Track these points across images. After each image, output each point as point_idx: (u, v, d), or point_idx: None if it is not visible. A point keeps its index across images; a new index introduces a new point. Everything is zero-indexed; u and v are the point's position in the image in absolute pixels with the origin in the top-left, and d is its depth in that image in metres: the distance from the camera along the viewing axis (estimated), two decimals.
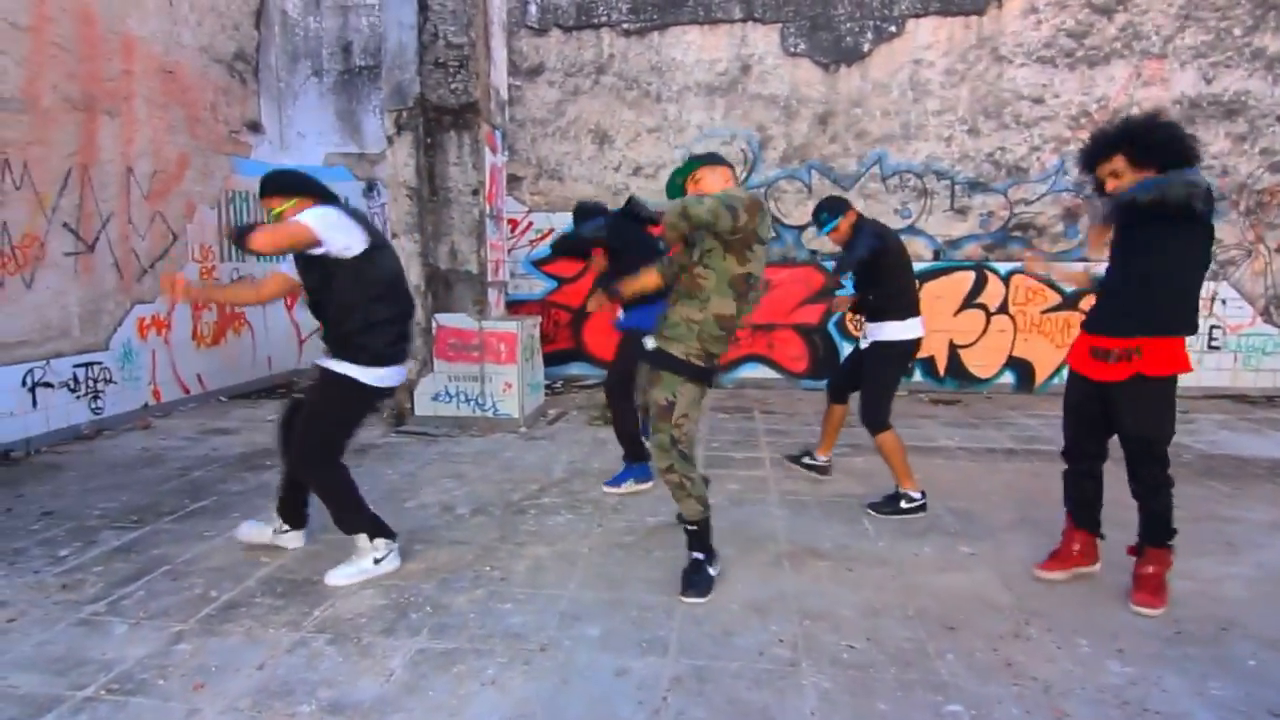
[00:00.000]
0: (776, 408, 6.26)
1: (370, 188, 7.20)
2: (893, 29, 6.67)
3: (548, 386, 6.64)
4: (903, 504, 3.64)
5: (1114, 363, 2.62)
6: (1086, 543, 2.96)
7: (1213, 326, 6.70)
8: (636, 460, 3.98)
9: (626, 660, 2.35)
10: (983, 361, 6.87)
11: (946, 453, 4.84)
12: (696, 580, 2.77)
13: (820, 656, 2.38)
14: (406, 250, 5.20)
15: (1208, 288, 6.69)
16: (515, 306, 6.85)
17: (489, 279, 5.33)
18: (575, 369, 7.22)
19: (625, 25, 6.90)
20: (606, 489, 3.94)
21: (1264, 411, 6.21)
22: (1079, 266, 6.76)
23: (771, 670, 2.30)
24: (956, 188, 6.78)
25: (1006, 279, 6.77)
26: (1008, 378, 6.88)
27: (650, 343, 2.74)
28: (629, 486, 3.93)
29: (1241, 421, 5.81)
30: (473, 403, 5.24)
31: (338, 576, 2.85)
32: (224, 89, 6.51)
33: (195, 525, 3.48)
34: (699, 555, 2.84)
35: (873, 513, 3.65)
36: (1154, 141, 2.53)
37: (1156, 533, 2.74)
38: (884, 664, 2.35)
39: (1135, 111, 6.56)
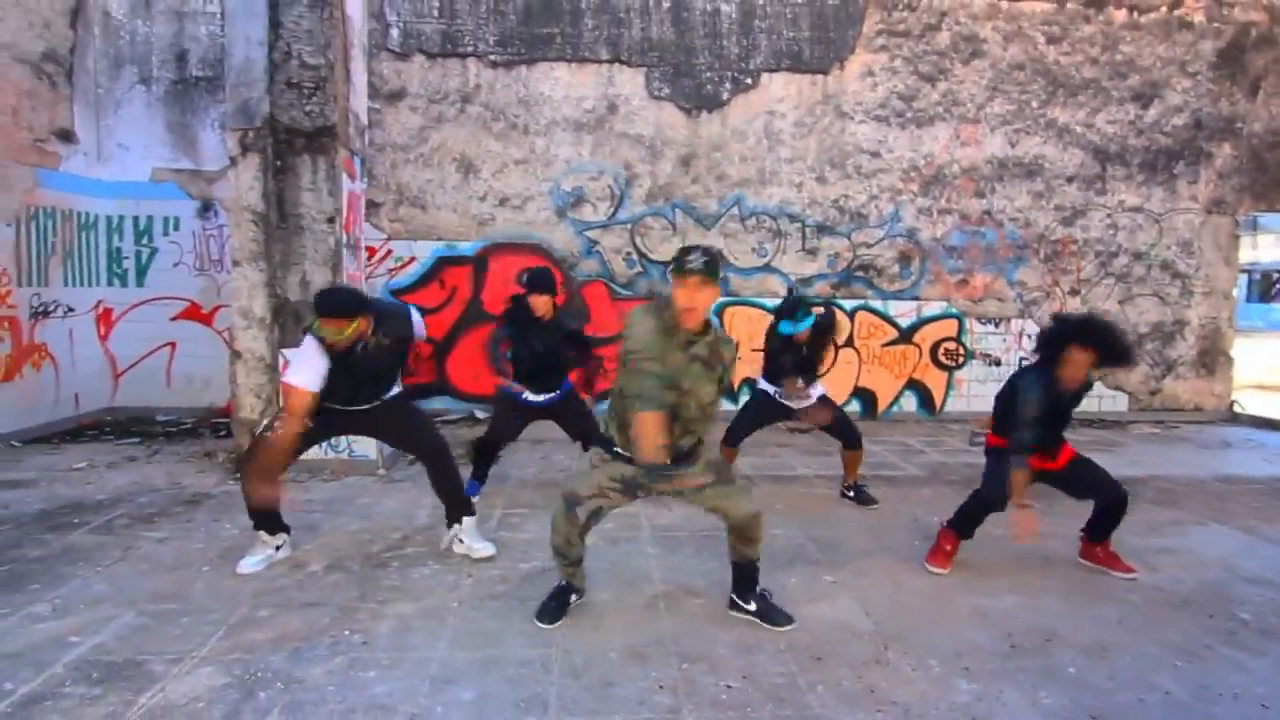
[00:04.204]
0: None
1: (206, 208, 6.56)
2: (749, 81, 7.09)
3: None
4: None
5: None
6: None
7: (1021, 359, 7.60)
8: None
9: None
10: (832, 392, 7.18)
11: (805, 481, 5.11)
12: (779, 611, 2.96)
13: (701, 699, 2.40)
14: (250, 279, 4.77)
15: (1016, 325, 7.61)
16: None
17: None
18: (439, 404, 6.93)
19: (492, 57, 6.84)
20: None
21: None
22: (910, 304, 7.47)
23: (654, 719, 2.28)
24: (807, 230, 7.28)
25: (852, 315, 7.32)
26: (854, 406, 7.41)
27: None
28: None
29: None
30: (325, 444, 4.84)
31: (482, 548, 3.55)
32: (29, 92, 5.71)
33: None
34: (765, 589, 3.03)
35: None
36: (1118, 348, 3.24)
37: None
38: (760, 701, 2.41)
39: (958, 169, 7.38)
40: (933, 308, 7.48)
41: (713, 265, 2.47)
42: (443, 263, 6.88)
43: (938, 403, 7.56)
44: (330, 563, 3.43)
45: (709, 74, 7.05)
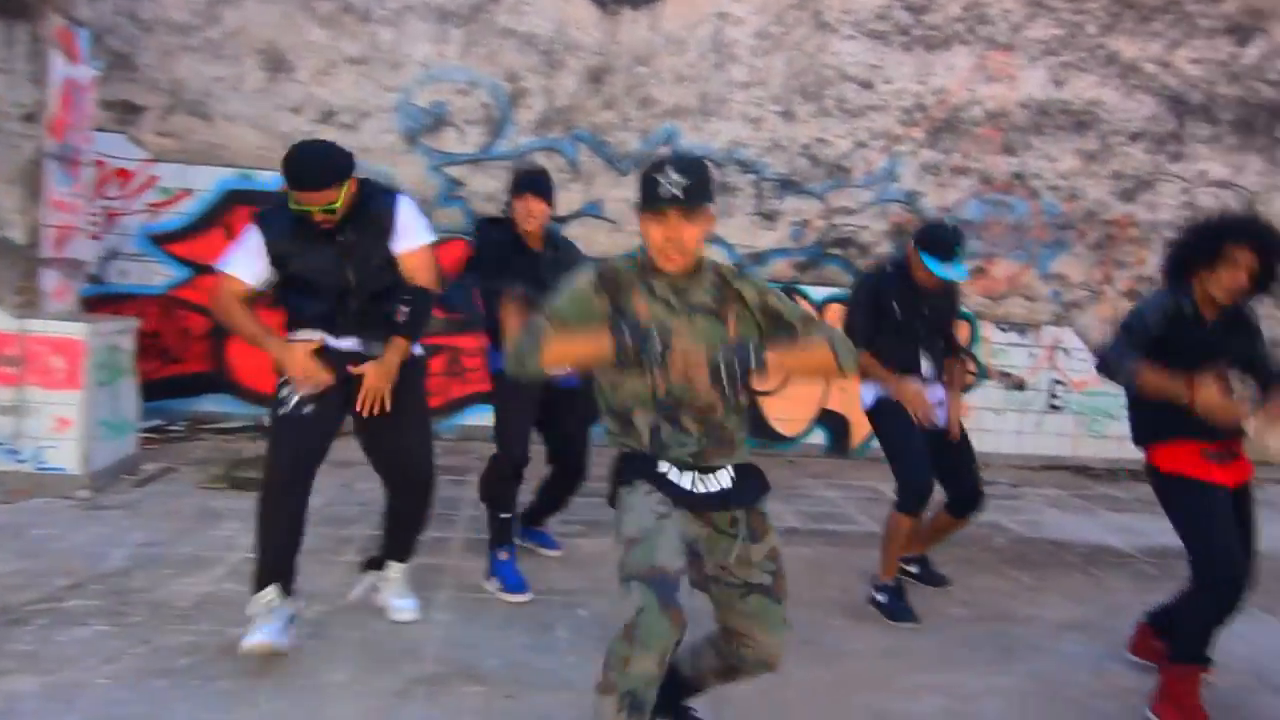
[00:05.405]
0: None
1: None
2: None
3: (156, 429, 6.24)
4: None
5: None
6: None
7: (1055, 381, 7.66)
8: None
9: None
10: (788, 415, 7.34)
11: None
12: None
13: None
14: None
15: (1050, 334, 7.67)
16: (113, 303, 6.37)
17: (47, 254, 4.89)
18: (211, 404, 6.80)
19: None
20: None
21: (1105, 487, 7.15)
22: None
23: None
24: (764, 185, 7.28)
25: (822, 308, 7.29)
26: (818, 437, 7.40)
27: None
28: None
29: (1075, 499, 6.65)
30: (5, 452, 4.77)
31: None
32: None
33: None
34: None
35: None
36: None
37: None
38: None
39: (980, 113, 7.43)
40: None
41: (701, 185, 2.29)
42: (233, 199, 6.76)
43: None
44: None
45: None
